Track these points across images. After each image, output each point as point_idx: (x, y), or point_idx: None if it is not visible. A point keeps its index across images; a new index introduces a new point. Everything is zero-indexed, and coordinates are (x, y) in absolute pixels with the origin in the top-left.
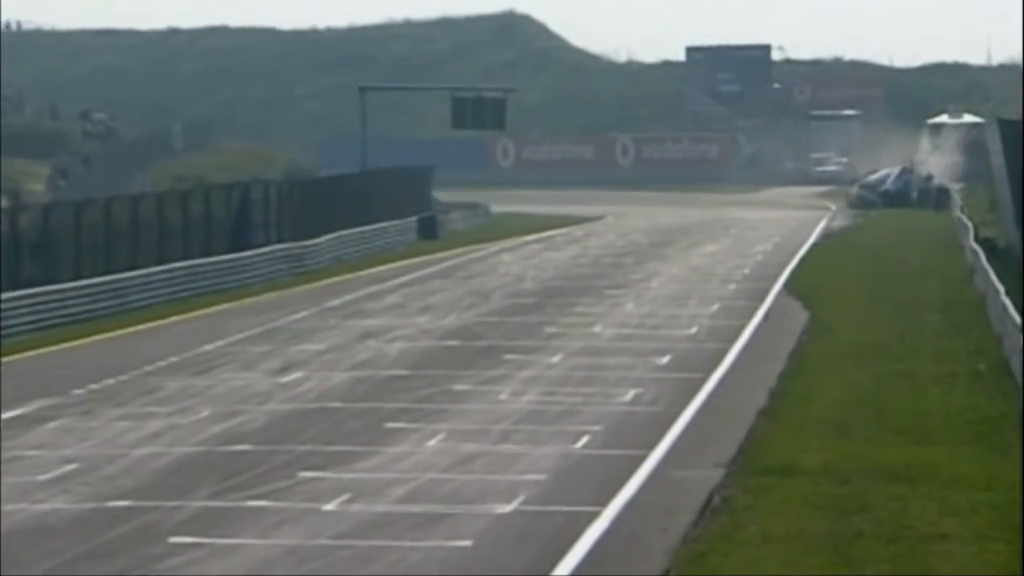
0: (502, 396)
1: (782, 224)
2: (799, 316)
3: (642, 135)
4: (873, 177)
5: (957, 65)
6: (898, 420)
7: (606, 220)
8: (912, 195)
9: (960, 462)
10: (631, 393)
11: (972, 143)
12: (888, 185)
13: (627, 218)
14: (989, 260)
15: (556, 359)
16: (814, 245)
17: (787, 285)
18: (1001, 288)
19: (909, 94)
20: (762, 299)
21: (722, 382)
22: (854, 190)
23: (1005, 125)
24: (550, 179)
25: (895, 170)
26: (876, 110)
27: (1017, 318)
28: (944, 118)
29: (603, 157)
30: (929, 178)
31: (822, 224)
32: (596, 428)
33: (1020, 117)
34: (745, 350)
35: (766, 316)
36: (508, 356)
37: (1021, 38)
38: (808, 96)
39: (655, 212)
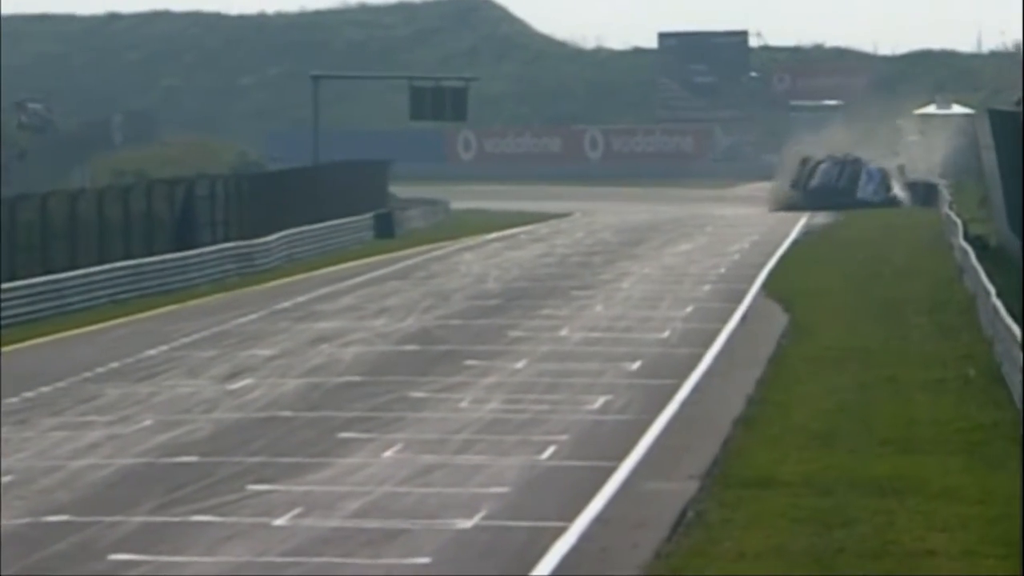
0: (463, 404)
1: (760, 221)
2: (778, 319)
3: (612, 127)
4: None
5: (945, 53)
6: (883, 429)
7: (574, 217)
8: (866, 191)
9: (949, 473)
10: (600, 401)
11: (962, 135)
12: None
13: (596, 215)
14: (979, 259)
15: (520, 365)
16: (794, 243)
17: (766, 286)
18: (992, 289)
19: (895, 83)
20: (739, 301)
21: (696, 389)
22: (786, 189)
23: (996, 116)
24: (514, 173)
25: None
26: (860, 100)
27: (1010, 322)
28: (932, 108)
29: (570, 150)
30: (901, 169)
31: (803, 221)
32: (563, 438)
33: (1013, 107)
34: (721, 355)
35: (743, 319)
36: (469, 361)
37: (1021, 22)
38: (788, 85)
39: (625, 208)
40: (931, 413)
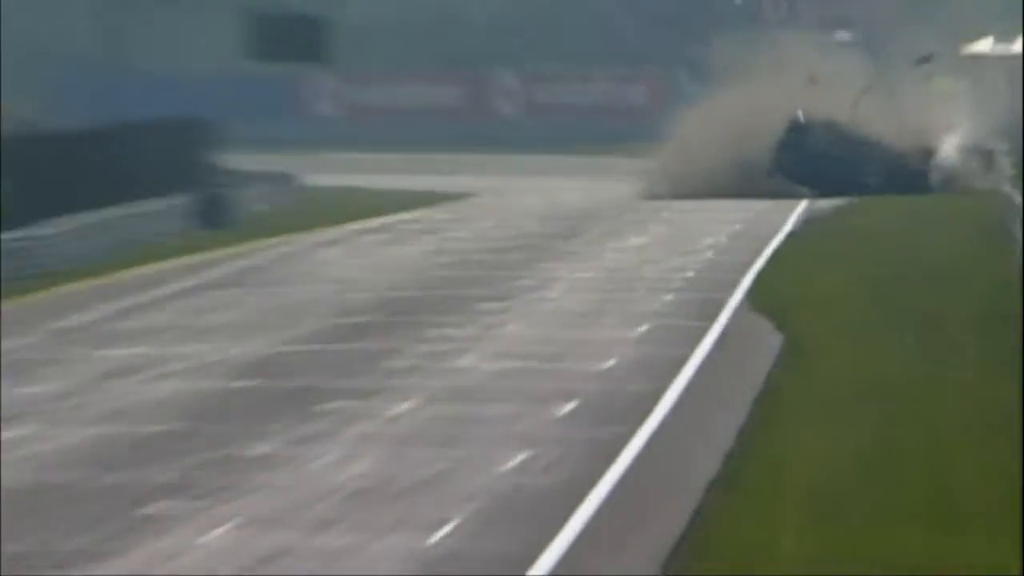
0: (321, 464)
1: (742, 204)
2: (769, 340)
3: (533, 72)
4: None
5: None
6: (913, 496)
7: (480, 198)
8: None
9: (998, 555)
10: (518, 458)
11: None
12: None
13: (512, 195)
14: None
15: (405, 407)
16: (791, 235)
17: (751, 294)
18: None
19: (932, 8)
20: (714, 316)
21: (655, 441)
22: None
23: None
24: (396, 137)
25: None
26: (885, 32)
27: None
28: (987, 44)
29: (475, 103)
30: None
31: (803, 203)
32: (464, 512)
33: None
34: (688, 393)
35: (720, 341)
36: (332, 404)
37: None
38: (785, 10)
39: (553, 186)
40: (978, 474)
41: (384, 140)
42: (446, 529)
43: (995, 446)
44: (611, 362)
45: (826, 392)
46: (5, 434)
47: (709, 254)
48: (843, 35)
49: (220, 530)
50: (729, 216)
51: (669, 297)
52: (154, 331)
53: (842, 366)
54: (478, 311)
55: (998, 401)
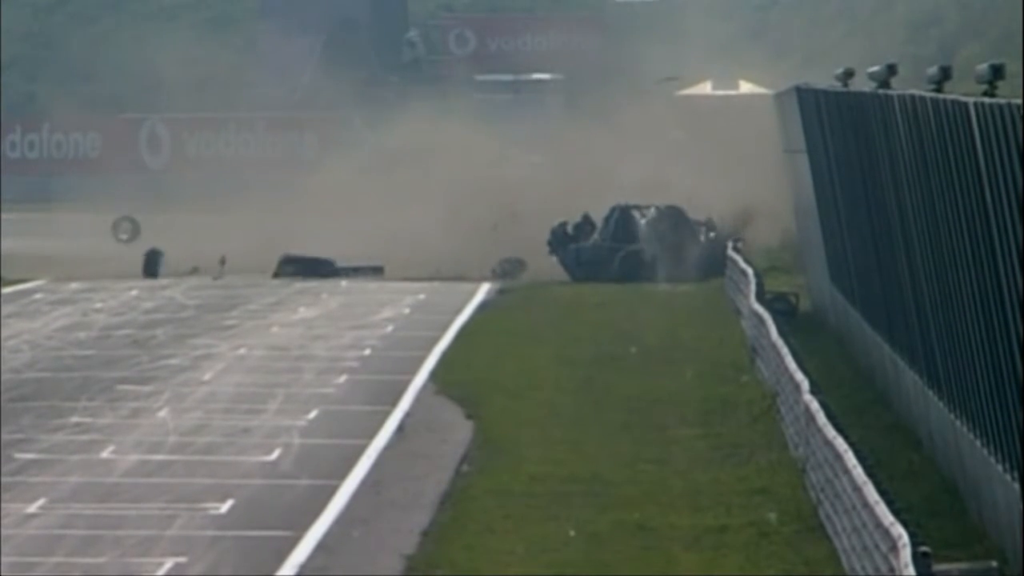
0: None
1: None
2: (458, 430)
3: (184, 115)
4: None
5: None
6: None
7: (122, 260)
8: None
9: None
10: (166, 566)
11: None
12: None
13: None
14: (783, 333)
15: (32, 508)
16: (483, 306)
17: (437, 376)
18: (803, 382)
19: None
20: (394, 401)
21: (324, 546)
22: None
23: (811, 99)
24: (19, 191)
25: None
26: (589, 72)
27: (831, 434)
28: (707, 87)
29: (117, 153)
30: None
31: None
32: None
33: (837, 85)
34: (363, 490)
35: (401, 430)
36: None
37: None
38: (473, 49)
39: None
40: None
41: (6, 196)
42: None
43: (722, 549)
44: (275, 454)
45: (525, 492)
46: None
47: (388, 328)
48: (540, 76)
49: None
50: (411, 285)
51: (343, 379)
52: None
53: (543, 461)
54: (120, 394)
55: (723, 497)
